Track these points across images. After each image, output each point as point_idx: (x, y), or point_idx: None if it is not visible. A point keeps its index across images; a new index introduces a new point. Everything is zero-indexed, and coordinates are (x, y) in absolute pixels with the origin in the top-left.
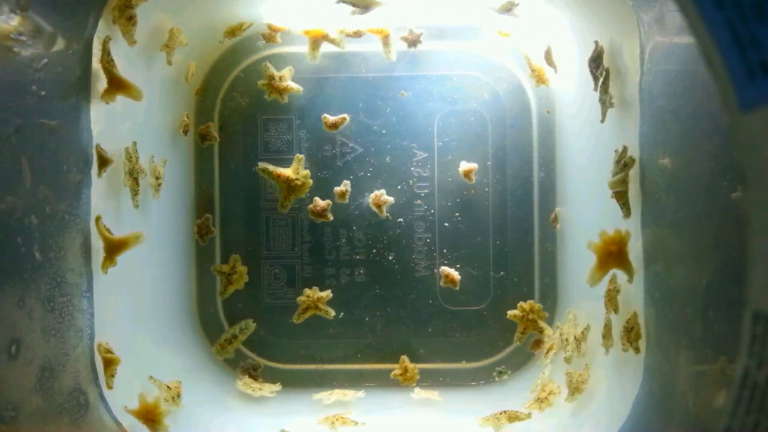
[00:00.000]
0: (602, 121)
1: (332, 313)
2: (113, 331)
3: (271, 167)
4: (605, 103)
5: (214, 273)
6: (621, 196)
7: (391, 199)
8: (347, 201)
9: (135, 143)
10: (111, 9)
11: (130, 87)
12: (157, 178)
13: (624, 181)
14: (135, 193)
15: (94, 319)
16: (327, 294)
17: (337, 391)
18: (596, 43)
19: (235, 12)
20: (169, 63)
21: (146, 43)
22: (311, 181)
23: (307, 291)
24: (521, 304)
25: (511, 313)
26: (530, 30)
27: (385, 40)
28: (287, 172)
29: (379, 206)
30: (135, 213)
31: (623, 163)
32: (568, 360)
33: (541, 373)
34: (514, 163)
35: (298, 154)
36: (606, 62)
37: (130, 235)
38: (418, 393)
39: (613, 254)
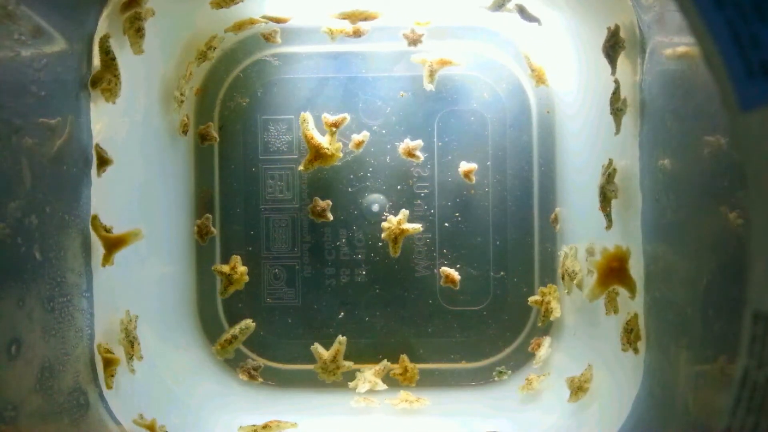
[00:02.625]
0: (617, 133)
1: (419, 227)
2: (113, 331)
3: (310, 126)
4: (618, 111)
5: (215, 273)
6: (605, 207)
7: (420, 142)
8: (360, 151)
9: (135, 317)
10: (122, 20)
11: (105, 80)
12: (182, 93)
13: (608, 193)
14: (129, 357)
15: (94, 319)
16: (404, 213)
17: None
18: (609, 28)
19: (234, 13)
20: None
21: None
22: (341, 155)
23: (385, 224)
24: (541, 288)
25: (532, 299)
26: (529, 31)
27: (430, 71)
28: (321, 139)
29: (411, 154)
30: (135, 212)
31: (608, 174)
32: (579, 285)
33: (536, 364)
34: (514, 163)
35: (334, 128)
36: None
37: (128, 232)
38: (358, 401)
39: (614, 270)
